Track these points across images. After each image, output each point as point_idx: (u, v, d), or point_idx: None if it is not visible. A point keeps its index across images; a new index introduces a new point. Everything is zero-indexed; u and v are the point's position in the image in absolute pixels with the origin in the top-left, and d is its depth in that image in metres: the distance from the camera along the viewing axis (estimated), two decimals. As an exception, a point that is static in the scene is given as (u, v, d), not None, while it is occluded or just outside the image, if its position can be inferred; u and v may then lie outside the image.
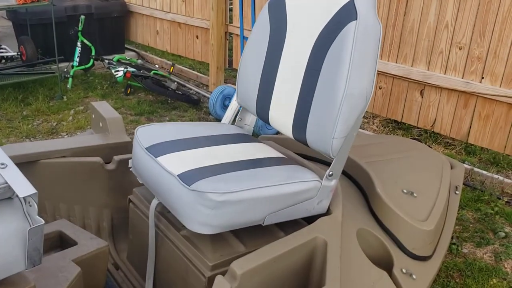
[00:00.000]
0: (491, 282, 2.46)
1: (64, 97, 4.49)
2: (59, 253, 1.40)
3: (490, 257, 2.68)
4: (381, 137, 2.33)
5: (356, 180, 1.87)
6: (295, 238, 1.40)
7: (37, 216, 1.04)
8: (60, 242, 1.54)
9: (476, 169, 3.31)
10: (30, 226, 1.03)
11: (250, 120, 1.93)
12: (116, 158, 1.89)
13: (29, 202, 1.05)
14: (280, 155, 1.65)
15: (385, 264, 1.63)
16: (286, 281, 1.40)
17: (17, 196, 1.06)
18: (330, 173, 1.52)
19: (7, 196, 1.04)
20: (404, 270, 1.61)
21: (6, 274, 1.02)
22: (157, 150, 1.53)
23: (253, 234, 1.53)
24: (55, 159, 1.81)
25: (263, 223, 1.44)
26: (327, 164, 1.99)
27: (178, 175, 1.40)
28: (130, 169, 1.66)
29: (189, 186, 1.35)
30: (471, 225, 2.94)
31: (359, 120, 1.49)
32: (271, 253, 1.33)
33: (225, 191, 1.32)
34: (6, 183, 1.02)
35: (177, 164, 1.46)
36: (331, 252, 1.39)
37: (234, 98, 1.94)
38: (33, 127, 3.92)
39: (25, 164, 1.76)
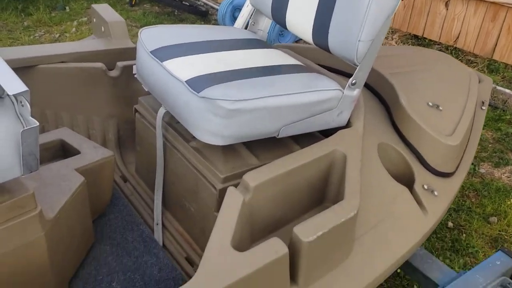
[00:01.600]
0: (508, 202, 2.40)
1: (67, 8, 4.27)
2: (61, 161, 1.31)
3: (509, 177, 2.60)
4: (405, 48, 2.15)
5: (378, 92, 1.74)
6: (311, 150, 1.30)
7: (31, 117, 0.93)
8: (62, 151, 1.45)
9: (498, 88, 3.15)
10: (24, 128, 0.93)
11: (264, 25, 1.76)
12: (120, 64, 1.75)
13: (21, 102, 0.94)
14: (298, 62, 1.51)
15: (406, 180, 1.55)
16: (301, 195, 1.32)
17: (7, 95, 0.95)
18: (353, 81, 1.38)
19: None
20: (425, 186, 1.52)
21: (0, 180, 0.94)
22: (163, 54, 1.40)
23: (267, 147, 1.43)
24: (54, 64, 1.68)
25: (278, 135, 1.33)
26: (349, 76, 1.85)
27: (186, 81, 1.27)
28: (135, 76, 1.54)
29: (198, 93, 1.23)
30: (490, 145, 2.83)
31: (388, 21, 1.33)
32: (286, 165, 1.23)
33: (237, 99, 1.20)
34: None
35: (185, 69, 1.33)
36: (351, 166, 1.29)
37: (247, 2, 1.76)
38: (34, 38, 3.75)
39: (22, 69, 1.64)
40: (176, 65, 1.35)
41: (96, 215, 1.45)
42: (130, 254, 1.34)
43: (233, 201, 1.11)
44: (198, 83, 1.26)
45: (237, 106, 1.21)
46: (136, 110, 1.65)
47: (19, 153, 0.95)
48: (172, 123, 1.51)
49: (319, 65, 1.78)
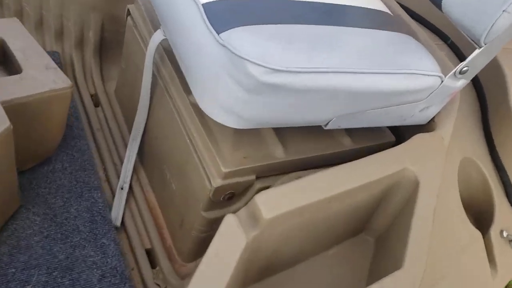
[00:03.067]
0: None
1: None
2: (-16, 84, 0.83)
3: None
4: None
5: (477, 76, 1.21)
6: (370, 166, 0.82)
7: None
8: (2, 56, 0.96)
9: None
10: None
11: None
12: None
13: None
14: (385, 8, 0.97)
15: (481, 214, 1.09)
16: (332, 227, 0.86)
17: None
18: (465, 68, 0.86)
19: None
20: (504, 234, 1.07)
21: None
22: None
23: (302, 133, 0.94)
24: None
25: (326, 126, 0.84)
26: (440, 35, 1.29)
27: (203, 4, 0.75)
28: (134, -36, 1.00)
29: (218, 33, 0.71)
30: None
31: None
32: (327, 187, 0.76)
33: (279, 67, 0.68)
34: None
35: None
36: (422, 205, 0.82)
37: None
38: None
39: None
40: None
41: (33, 163, 1.00)
42: (66, 239, 0.91)
43: (230, 246, 0.66)
44: (222, 15, 0.74)
45: (277, 80, 0.69)
46: (128, 12, 1.12)
47: None
48: (173, 54, 1.00)
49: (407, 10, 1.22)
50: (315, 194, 0.75)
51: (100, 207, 0.98)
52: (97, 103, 1.27)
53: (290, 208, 0.72)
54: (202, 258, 0.65)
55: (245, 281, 0.80)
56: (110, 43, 1.34)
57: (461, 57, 1.27)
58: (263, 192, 0.71)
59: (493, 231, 1.05)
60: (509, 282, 1.14)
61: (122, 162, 1.14)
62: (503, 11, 0.77)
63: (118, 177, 1.11)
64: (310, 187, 0.75)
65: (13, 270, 0.84)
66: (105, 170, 1.12)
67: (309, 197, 0.74)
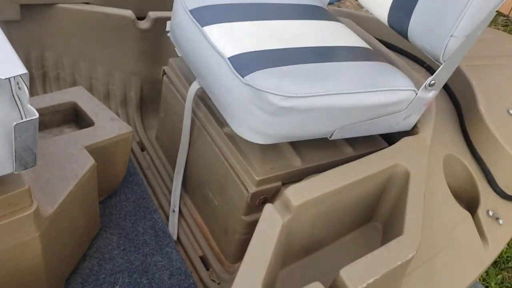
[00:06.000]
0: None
1: None
2: (70, 135, 1.10)
3: None
4: (490, 31, 1.81)
5: (450, 87, 1.47)
6: (368, 163, 1.07)
7: (30, 106, 0.72)
8: (73, 116, 1.24)
9: None
10: (21, 119, 0.71)
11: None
12: (152, 14, 1.49)
13: (18, 84, 0.72)
14: (365, 44, 1.24)
15: (469, 200, 1.32)
16: (347, 214, 1.10)
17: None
18: (432, 81, 1.12)
19: None
20: (490, 213, 1.29)
21: None
22: (205, 15, 1.14)
23: (314, 146, 1.20)
24: (77, 4, 1.43)
25: (331, 137, 1.10)
26: (417, 61, 1.56)
27: (229, 58, 1.03)
28: (168, 34, 1.29)
29: (243, 77, 0.98)
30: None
31: (491, 15, 1.05)
32: (338, 181, 1.01)
33: (291, 94, 0.96)
34: None
35: (229, 40, 1.08)
36: (414, 189, 1.06)
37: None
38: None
39: (40, 6, 1.40)
40: (220, 34, 1.10)
41: (105, 196, 1.26)
42: (139, 250, 1.16)
43: (271, 226, 0.90)
44: (244, 63, 1.01)
45: (290, 104, 0.96)
46: (164, 72, 1.41)
47: (11, 146, 0.74)
48: (205, 98, 1.28)
49: (381, 41, 1.50)
50: (328, 186, 0.99)
51: (160, 225, 1.23)
52: (142, 148, 1.54)
53: (312, 197, 0.96)
54: (252, 237, 0.89)
55: (284, 261, 1.04)
56: (149, 98, 1.62)
57: None
58: (290, 187, 0.96)
59: (481, 212, 1.27)
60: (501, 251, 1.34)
61: (170, 192, 1.39)
62: (451, 36, 1.04)
63: (169, 203, 1.36)
64: (324, 181, 1.00)
65: (103, 276, 1.09)
66: (157, 199, 1.37)
67: (324, 188, 0.98)
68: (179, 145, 1.33)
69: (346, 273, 0.86)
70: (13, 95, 0.74)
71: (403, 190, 1.10)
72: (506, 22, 3.34)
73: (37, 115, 0.71)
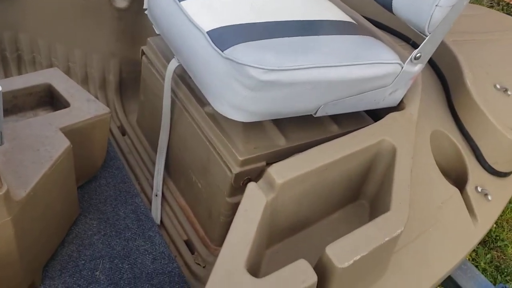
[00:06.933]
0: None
1: None
2: (44, 117, 1.06)
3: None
4: (477, 8, 1.78)
5: (436, 63, 1.44)
6: (354, 140, 1.04)
7: None
8: (49, 99, 1.19)
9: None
10: None
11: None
12: (129, -7, 1.44)
13: None
14: (349, 19, 1.21)
15: (457, 176, 1.30)
16: (334, 192, 1.07)
17: None
18: (418, 55, 1.09)
19: None
20: (479, 189, 1.27)
21: None
22: (182, -10, 1.09)
23: (298, 124, 1.16)
24: None
25: (315, 114, 1.06)
26: (403, 38, 1.53)
27: (208, 32, 0.99)
28: (146, 12, 1.24)
29: (222, 51, 0.94)
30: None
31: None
32: (322, 158, 0.98)
33: (273, 67, 0.92)
34: None
35: (207, 14, 1.03)
36: (401, 165, 1.03)
37: None
38: None
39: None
40: (198, 8, 1.05)
41: (84, 181, 1.21)
42: (120, 234, 1.12)
43: (254, 204, 0.87)
44: (223, 37, 0.97)
45: (272, 77, 0.93)
46: (143, 53, 1.37)
47: None
48: (185, 77, 1.24)
49: (368, 19, 1.46)
50: (313, 163, 0.96)
51: (142, 209, 1.19)
52: (123, 133, 1.49)
53: (296, 175, 0.93)
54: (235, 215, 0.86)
55: (270, 240, 1.01)
56: (128, 80, 1.58)
57: None
58: (274, 164, 0.93)
59: (469, 188, 1.25)
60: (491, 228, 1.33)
61: (152, 176, 1.35)
62: (436, 5, 1.01)
63: (151, 188, 1.32)
64: (309, 158, 0.97)
65: (83, 261, 1.05)
66: (139, 184, 1.33)
67: (309, 166, 0.95)
68: (160, 127, 1.29)
69: (332, 250, 0.83)
70: None
71: (389, 166, 1.08)
72: (491, 4, 3.33)
73: None
